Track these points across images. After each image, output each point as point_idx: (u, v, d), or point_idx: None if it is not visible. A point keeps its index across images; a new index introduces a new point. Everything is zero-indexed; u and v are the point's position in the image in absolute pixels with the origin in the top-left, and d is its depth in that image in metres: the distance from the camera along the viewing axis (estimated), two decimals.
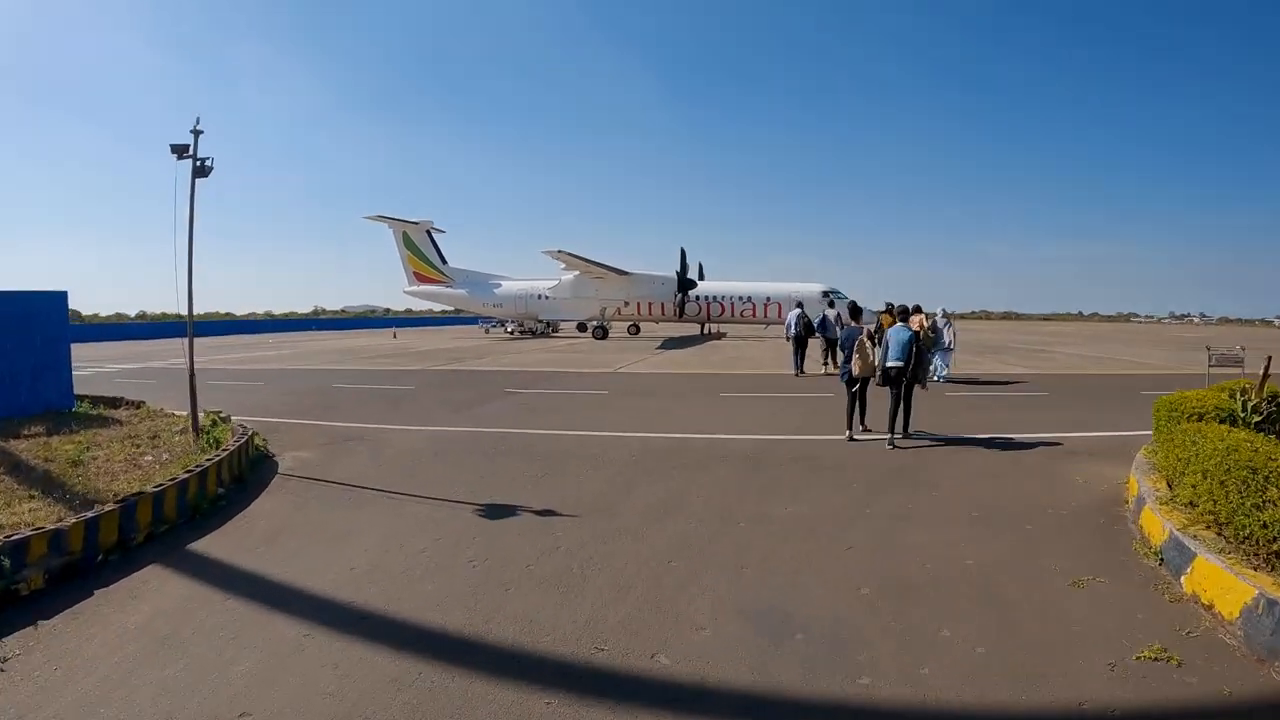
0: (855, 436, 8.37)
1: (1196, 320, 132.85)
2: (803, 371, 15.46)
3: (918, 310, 14.61)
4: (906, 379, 8.03)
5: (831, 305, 18.02)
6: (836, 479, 6.51)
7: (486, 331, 41.06)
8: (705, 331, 35.56)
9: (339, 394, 12.61)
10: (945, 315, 14.45)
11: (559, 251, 27.71)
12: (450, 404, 11.08)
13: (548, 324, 37.08)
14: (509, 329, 39.16)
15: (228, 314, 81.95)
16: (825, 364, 15.83)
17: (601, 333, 31.79)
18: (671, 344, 26.70)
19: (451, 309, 40.82)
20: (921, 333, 9.04)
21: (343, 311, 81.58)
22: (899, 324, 8.43)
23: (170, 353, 21.51)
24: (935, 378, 13.27)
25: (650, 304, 32.82)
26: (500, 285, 35.85)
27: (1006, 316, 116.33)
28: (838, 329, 15.24)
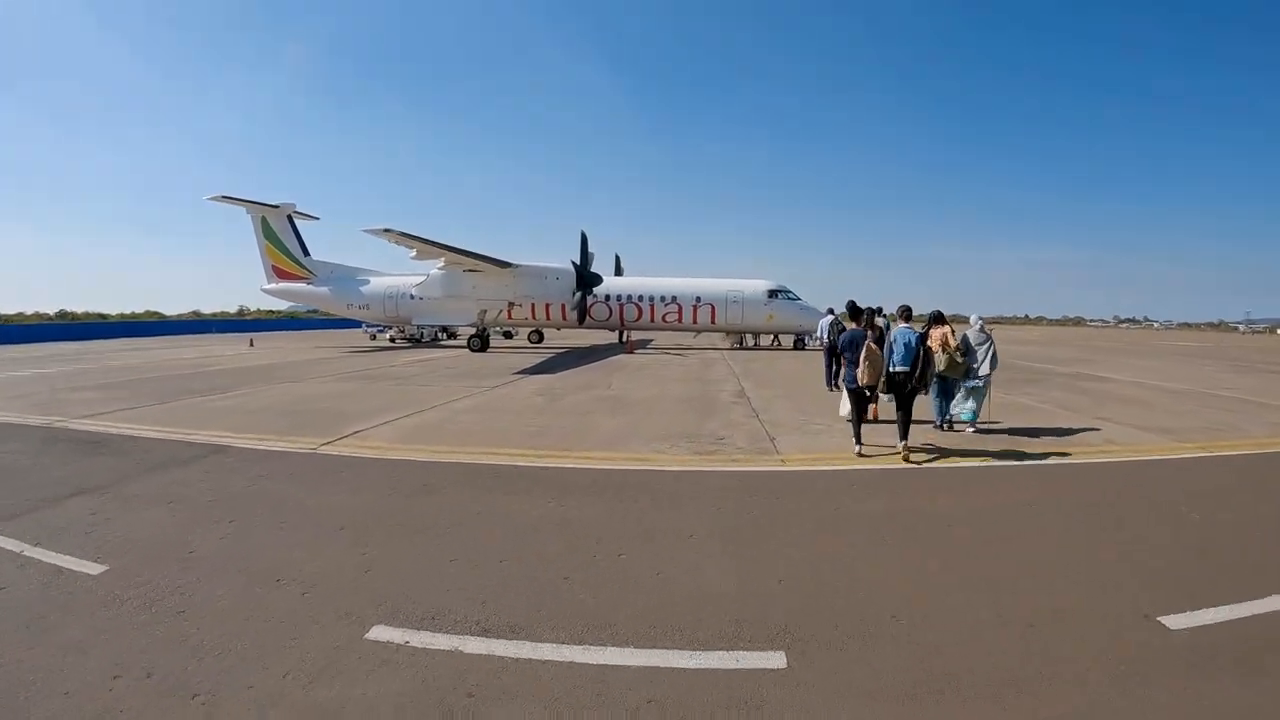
0: (864, 452, 7.36)
1: (1157, 326, 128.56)
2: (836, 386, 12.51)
3: (875, 313, 10.27)
4: (912, 385, 7.34)
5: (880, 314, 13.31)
6: None
7: (373, 338, 33.62)
8: (624, 340, 28.55)
9: None
10: (983, 328, 9.46)
11: (386, 230, 19.28)
12: None
13: (440, 329, 29.86)
14: (389, 336, 31.97)
15: (155, 314, 75.66)
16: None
17: (479, 343, 24.17)
18: (552, 363, 19.27)
19: (312, 310, 33.38)
20: (948, 353, 8.64)
21: (273, 312, 76.31)
22: (903, 325, 7.55)
23: None
24: (961, 420, 9.29)
25: (547, 304, 25.38)
26: (368, 283, 28.44)
27: (954, 319, 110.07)
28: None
